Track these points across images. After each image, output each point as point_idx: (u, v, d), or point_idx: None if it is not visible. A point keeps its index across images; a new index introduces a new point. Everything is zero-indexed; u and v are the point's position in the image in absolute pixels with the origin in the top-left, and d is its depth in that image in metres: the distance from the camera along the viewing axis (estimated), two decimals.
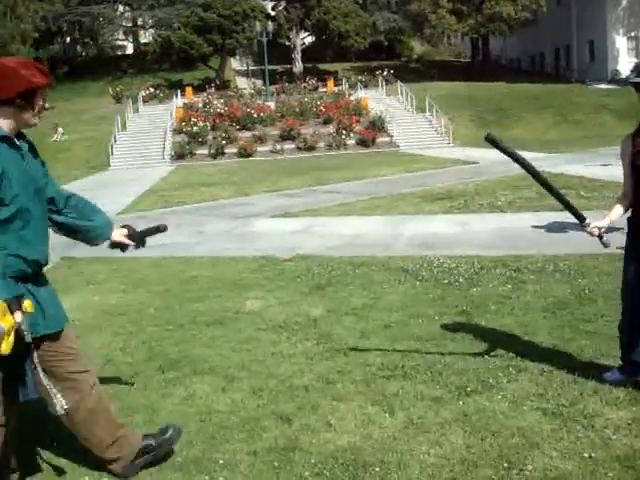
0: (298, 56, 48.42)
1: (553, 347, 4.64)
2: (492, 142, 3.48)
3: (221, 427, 3.74)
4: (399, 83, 39.67)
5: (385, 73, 42.46)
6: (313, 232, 10.27)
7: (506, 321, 5.24)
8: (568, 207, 3.73)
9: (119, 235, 3.44)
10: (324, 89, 41.03)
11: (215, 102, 36.55)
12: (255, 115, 34.37)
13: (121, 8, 55.52)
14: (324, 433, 3.60)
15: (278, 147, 31.98)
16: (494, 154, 19.48)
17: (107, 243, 3.50)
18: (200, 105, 36.46)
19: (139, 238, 3.51)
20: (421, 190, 14.45)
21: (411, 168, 20.28)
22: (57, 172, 29.07)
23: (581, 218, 3.75)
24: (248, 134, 32.94)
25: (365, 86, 40.95)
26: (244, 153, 31.31)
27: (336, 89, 40.65)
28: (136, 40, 58.02)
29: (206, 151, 31.82)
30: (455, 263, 7.23)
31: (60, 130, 34.73)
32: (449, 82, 42.64)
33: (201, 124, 33.29)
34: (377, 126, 33.49)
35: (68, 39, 56.58)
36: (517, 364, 4.35)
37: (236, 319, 5.80)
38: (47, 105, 3.03)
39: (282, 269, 7.69)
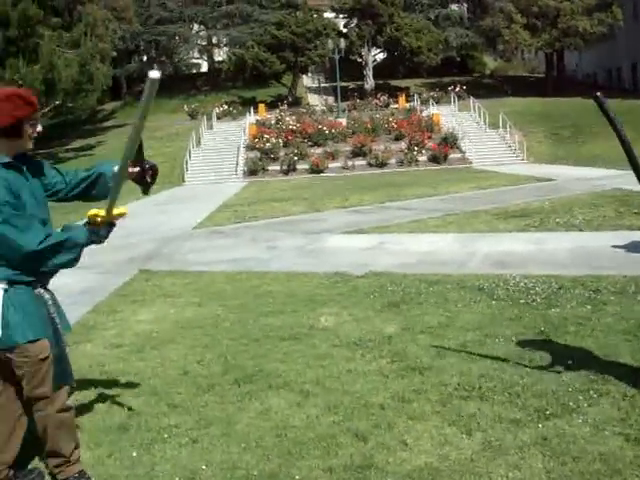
0: (370, 72, 48.54)
1: (635, 371, 4.50)
2: (598, 101, 3.54)
3: (297, 442, 3.77)
4: (472, 99, 39.33)
5: (457, 89, 42.20)
6: (385, 249, 10.24)
7: (586, 343, 5.11)
8: None
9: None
10: (396, 105, 41.00)
11: (287, 119, 36.94)
12: (327, 131, 34.58)
13: (196, 27, 56.80)
14: (400, 452, 3.59)
15: (349, 163, 32.06)
16: (570, 171, 19.09)
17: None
18: (272, 122, 36.90)
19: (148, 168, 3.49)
20: (495, 207, 14.25)
21: (484, 185, 20.04)
22: (132, 186, 29.77)
23: None
24: (320, 150, 33.16)
25: (437, 102, 40.75)
26: (315, 169, 31.51)
27: (408, 105, 40.57)
28: (211, 58, 59.17)
29: (278, 167, 32.16)
30: (532, 282, 7.10)
31: None
32: (523, 98, 42.07)
33: (273, 140, 33.68)
34: (449, 142, 33.25)
35: (145, 58, 58.17)
36: (598, 387, 4.24)
37: (310, 335, 5.83)
38: (39, 129, 3.22)
39: (355, 286, 7.69)
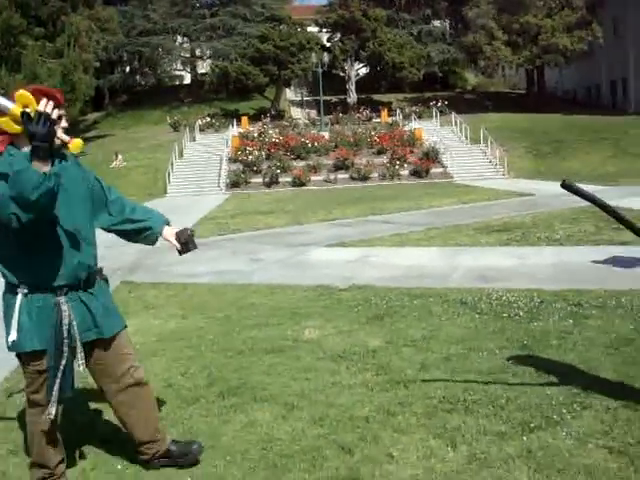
0: (352, 87, 48.82)
1: (618, 384, 4.54)
2: (568, 188, 3.55)
3: (282, 455, 3.76)
4: (453, 114, 39.69)
5: (439, 104, 42.59)
6: (368, 262, 10.27)
7: (568, 356, 5.15)
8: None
9: (170, 234, 3.63)
10: (378, 120, 41.29)
11: (270, 132, 37.08)
12: (309, 145, 34.72)
13: (180, 39, 56.91)
14: (386, 465, 3.59)
15: (332, 177, 32.18)
16: (550, 186, 19.18)
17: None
18: (255, 134, 37.01)
19: (185, 241, 3.63)
20: (477, 222, 14.35)
21: (465, 199, 20.18)
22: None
23: None
24: (302, 163, 33.28)
25: (419, 117, 41.11)
26: (298, 182, 31.59)
27: (390, 120, 40.88)
28: (194, 70, 59.25)
29: (260, 180, 32.21)
30: (514, 296, 7.15)
31: (120, 157, 35.61)
32: (504, 113, 42.49)
33: (256, 153, 33.77)
34: (431, 157, 33.49)
35: (128, 69, 58.09)
36: (581, 400, 4.27)
37: (295, 347, 5.83)
38: (65, 124, 3.21)
39: (339, 298, 7.70)
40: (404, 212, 17.58)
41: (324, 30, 51.69)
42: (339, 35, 49.43)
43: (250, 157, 33.41)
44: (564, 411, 4.12)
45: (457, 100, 47.89)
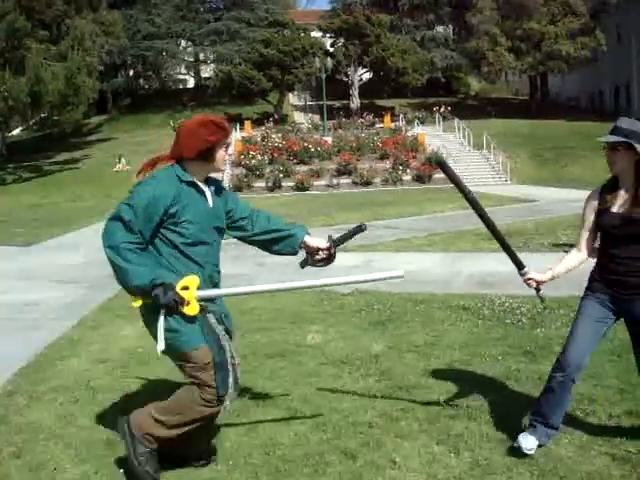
0: (355, 92, 48.87)
1: (620, 391, 4.55)
2: (439, 164, 3.57)
3: (285, 460, 3.76)
4: (456, 120, 39.64)
5: (442, 109, 42.53)
6: (371, 267, 10.27)
7: None
8: (507, 250, 3.72)
9: (315, 241, 3.82)
10: (381, 125, 41.26)
11: (273, 136, 37.04)
12: (312, 149, 34.70)
13: (184, 43, 57.04)
14: (389, 470, 3.60)
15: (334, 181, 32.18)
16: (553, 193, 19.11)
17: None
18: (258, 139, 37.00)
19: (335, 245, 3.80)
20: (479, 227, 14.16)
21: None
22: (118, 201, 29.61)
23: (520, 265, 3.73)
24: (305, 168, 33.26)
25: (422, 122, 41.08)
26: (301, 187, 31.59)
27: (393, 125, 40.87)
28: (197, 74, 59.34)
29: (263, 184, 32.21)
30: (517, 302, 7.15)
31: (123, 161, 35.63)
32: (507, 119, 42.46)
33: (259, 157, 33.77)
34: (433, 162, 33.45)
35: (131, 72, 58.20)
36: (584, 408, 4.28)
37: (297, 352, 5.84)
38: (230, 151, 3.57)
39: (342, 303, 7.71)
40: (406, 217, 17.60)
41: (327, 35, 51.67)
42: (342, 40, 49.43)
43: (253, 161, 33.42)
44: (567, 418, 4.12)
45: (460, 106, 47.87)
